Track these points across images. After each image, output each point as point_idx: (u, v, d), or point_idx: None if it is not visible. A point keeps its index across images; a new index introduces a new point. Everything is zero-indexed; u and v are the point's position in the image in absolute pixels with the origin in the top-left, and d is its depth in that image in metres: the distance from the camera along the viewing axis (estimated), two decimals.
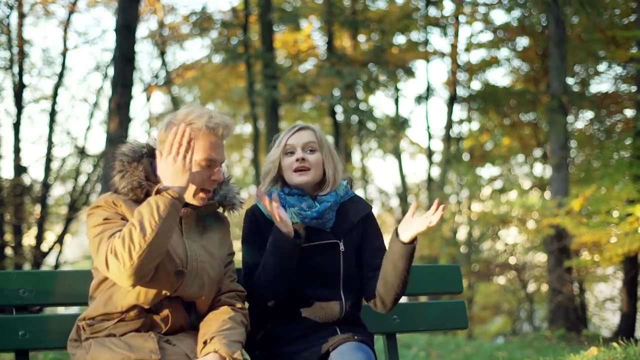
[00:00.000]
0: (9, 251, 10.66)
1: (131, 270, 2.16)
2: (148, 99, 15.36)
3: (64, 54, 11.86)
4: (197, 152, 2.35)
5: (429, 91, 17.38)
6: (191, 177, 2.30)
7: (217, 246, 2.48)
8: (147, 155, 2.45)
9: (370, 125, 16.84)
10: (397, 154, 19.24)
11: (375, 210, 20.29)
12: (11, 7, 10.87)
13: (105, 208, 2.32)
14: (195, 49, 38.17)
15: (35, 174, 14.32)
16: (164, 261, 2.30)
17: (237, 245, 2.62)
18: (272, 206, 2.44)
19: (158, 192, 2.26)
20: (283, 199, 2.62)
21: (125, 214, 2.31)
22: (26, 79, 11.51)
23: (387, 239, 2.64)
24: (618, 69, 13.30)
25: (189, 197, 2.40)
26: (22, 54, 11.02)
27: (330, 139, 16.52)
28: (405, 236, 2.46)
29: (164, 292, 2.30)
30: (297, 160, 2.60)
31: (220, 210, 2.58)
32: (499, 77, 34.81)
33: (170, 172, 2.25)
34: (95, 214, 2.32)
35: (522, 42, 15.77)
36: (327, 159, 2.66)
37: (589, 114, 14.46)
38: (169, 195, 2.21)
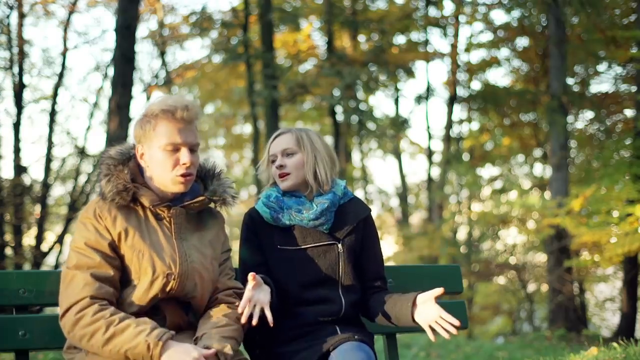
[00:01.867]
0: (9, 251, 10.65)
1: (71, 340, 2.28)
2: (148, 99, 15.34)
3: (64, 54, 11.85)
4: (159, 138, 2.33)
5: (429, 91, 17.37)
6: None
7: (210, 244, 2.47)
8: (135, 157, 2.44)
9: (370, 125, 16.83)
10: (397, 154, 19.26)
11: (375, 210, 20.39)
12: (11, 7, 10.86)
13: (89, 224, 2.32)
14: (195, 49, 38.19)
15: (35, 174, 14.30)
16: (153, 264, 2.30)
17: (235, 245, 2.61)
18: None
19: (159, 337, 2.15)
20: (281, 201, 2.63)
21: (109, 228, 2.30)
22: (26, 79, 11.49)
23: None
24: (618, 69, 13.27)
25: (168, 188, 2.37)
26: (22, 54, 11.01)
27: (329, 139, 16.61)
28: (416, 317, 2.48)
29: (155, 294, 2.30)
30: (277, 167, 2.64)
31: (212, 206, 2.55)
32: (499, 77, 34.81)
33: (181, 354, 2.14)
34: (79, 230, 2.32)
35: (522, 42, 15.75)
36: (309, 158, 2.65)
37: (589, 114, 14.45)
38: (152, 351, 2.14)
